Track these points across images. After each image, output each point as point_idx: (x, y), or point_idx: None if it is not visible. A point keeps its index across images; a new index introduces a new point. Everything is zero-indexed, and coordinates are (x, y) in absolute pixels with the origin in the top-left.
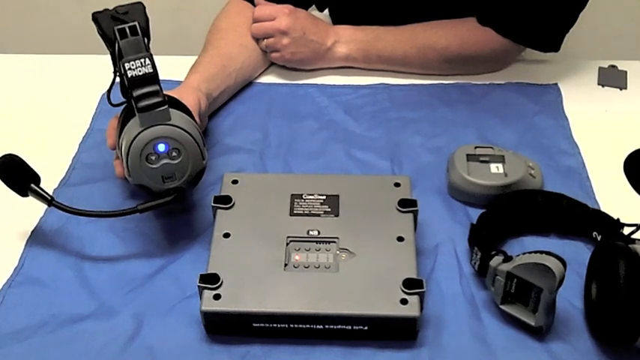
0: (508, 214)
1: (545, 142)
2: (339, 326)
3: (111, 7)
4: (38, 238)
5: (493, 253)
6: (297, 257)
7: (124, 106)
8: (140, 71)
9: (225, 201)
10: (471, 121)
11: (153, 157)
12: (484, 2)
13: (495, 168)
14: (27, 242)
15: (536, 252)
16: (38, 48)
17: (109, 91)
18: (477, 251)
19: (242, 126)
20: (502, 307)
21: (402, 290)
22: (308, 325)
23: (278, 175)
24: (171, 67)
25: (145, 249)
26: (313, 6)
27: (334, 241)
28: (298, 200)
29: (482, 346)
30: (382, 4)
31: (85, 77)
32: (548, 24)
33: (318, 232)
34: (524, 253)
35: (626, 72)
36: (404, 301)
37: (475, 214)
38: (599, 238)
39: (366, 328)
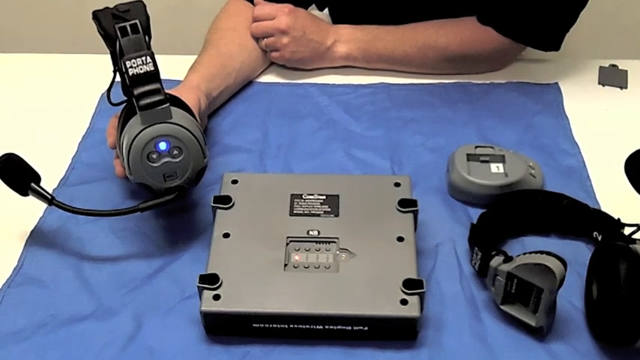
0: (508, 214)
1: (546, 142)
2: (339, 326)
3: (111, 6)
4: (38, 238)
5: (493, 253)
6: (297, 257)
7: (123, 105)
8: (141, 69)
9: (224, 201)
10: (471, 120)
11: (154, 156)
12: (484, 1)
13: (496, 168)
14: (26, 242)
15: (536, 252)
16: (38, 48)
17: (108, 90)
18: (478, 251)
19: (242, 126)
20: (502, 307)
21: (402, 290)
22: (308, 326)
23: (278, 175)
24: (171, 67)
25: (144, 249)
26: (313, 5)
27: (334, 242)
28: (298, 200)
29: (483, 347)
30: (382, 3)
31: (84, 77)
32: (549, 23)
33: (318, 232)
34: (524, 254)
35: (626, 71)
36: (404, 302)
37: (475, 214)
38: (599, 238)
39: (366, 328)
